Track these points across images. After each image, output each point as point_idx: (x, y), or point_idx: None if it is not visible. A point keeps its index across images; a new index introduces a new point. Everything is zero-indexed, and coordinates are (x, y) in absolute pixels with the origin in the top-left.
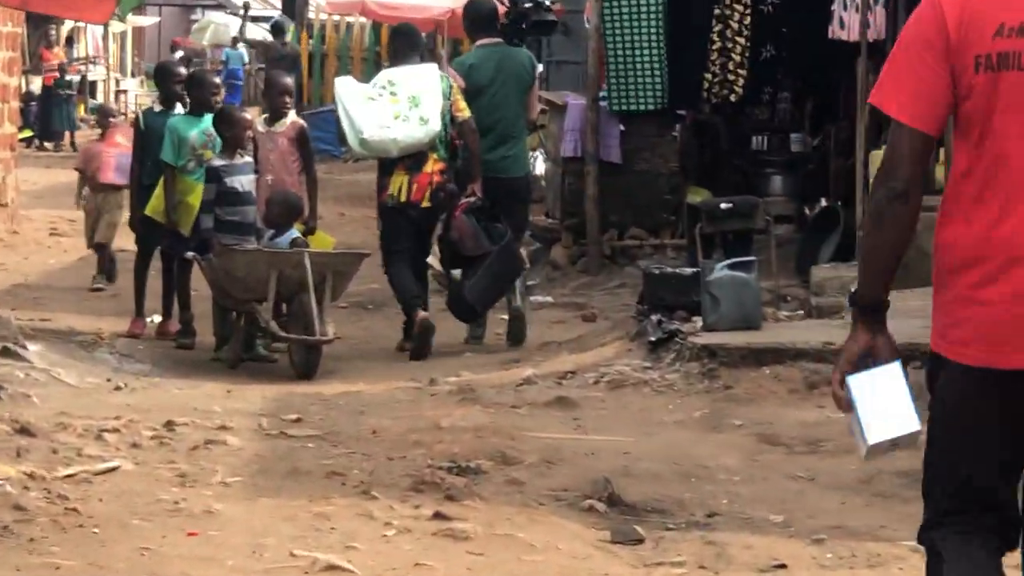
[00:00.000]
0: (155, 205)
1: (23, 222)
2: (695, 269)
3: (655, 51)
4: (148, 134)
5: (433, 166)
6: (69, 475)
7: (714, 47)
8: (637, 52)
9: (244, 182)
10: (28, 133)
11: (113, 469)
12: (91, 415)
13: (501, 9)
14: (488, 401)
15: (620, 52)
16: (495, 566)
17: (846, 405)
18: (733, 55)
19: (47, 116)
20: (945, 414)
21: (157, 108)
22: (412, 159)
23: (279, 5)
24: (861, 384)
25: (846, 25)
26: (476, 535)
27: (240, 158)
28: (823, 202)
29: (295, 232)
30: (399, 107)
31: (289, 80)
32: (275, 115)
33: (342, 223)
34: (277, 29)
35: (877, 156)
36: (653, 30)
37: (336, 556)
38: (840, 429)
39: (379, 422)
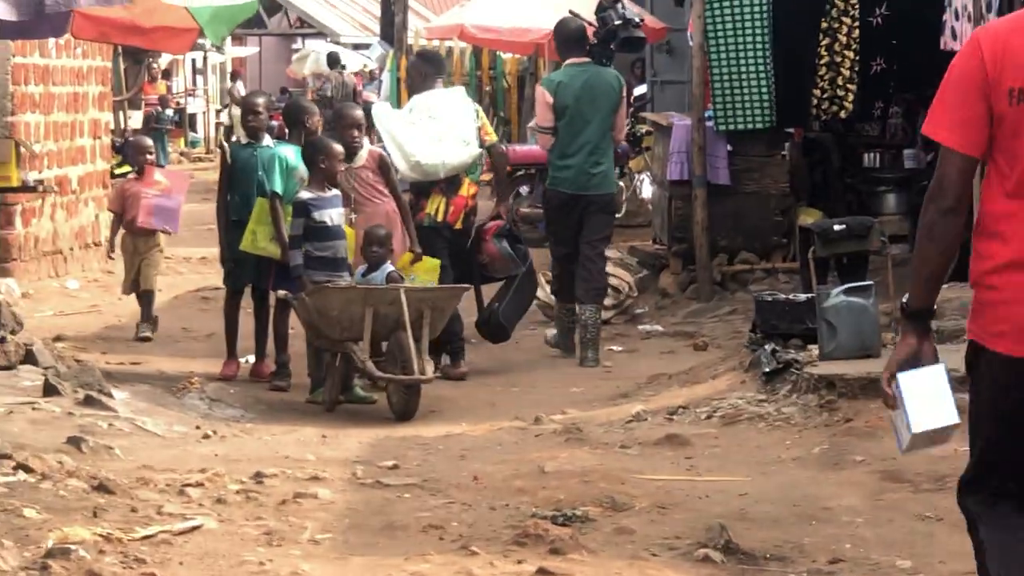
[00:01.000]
0: (252, 240)
1: (119, 261)
2: (809, 295)
3: (761, 68)
4: (235, 168)
5: (468, 189)
6: (147, 536)
7: (822, 62)
8: (743, 69)
9: (334, 216)
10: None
11: (195, 528)
12: (175, 468)
13: (590, 29)
14: (596, 441)
15: (725, 70)
16: None
17: (893, 403)
18: (842, 70)
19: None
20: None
21: (244, 140)
22: (448, 181)
23: (378, 31)
24: (909, 381)
25: (959, 36)
26: None
27: (328, 191)
28: None
29: (390, 267)
30: (441, 130)
31: (359, 112)
32: (349, 151)
33: None
34: (332, 60)
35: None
36: (759, 46)
37: None
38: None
39: (481, 467)
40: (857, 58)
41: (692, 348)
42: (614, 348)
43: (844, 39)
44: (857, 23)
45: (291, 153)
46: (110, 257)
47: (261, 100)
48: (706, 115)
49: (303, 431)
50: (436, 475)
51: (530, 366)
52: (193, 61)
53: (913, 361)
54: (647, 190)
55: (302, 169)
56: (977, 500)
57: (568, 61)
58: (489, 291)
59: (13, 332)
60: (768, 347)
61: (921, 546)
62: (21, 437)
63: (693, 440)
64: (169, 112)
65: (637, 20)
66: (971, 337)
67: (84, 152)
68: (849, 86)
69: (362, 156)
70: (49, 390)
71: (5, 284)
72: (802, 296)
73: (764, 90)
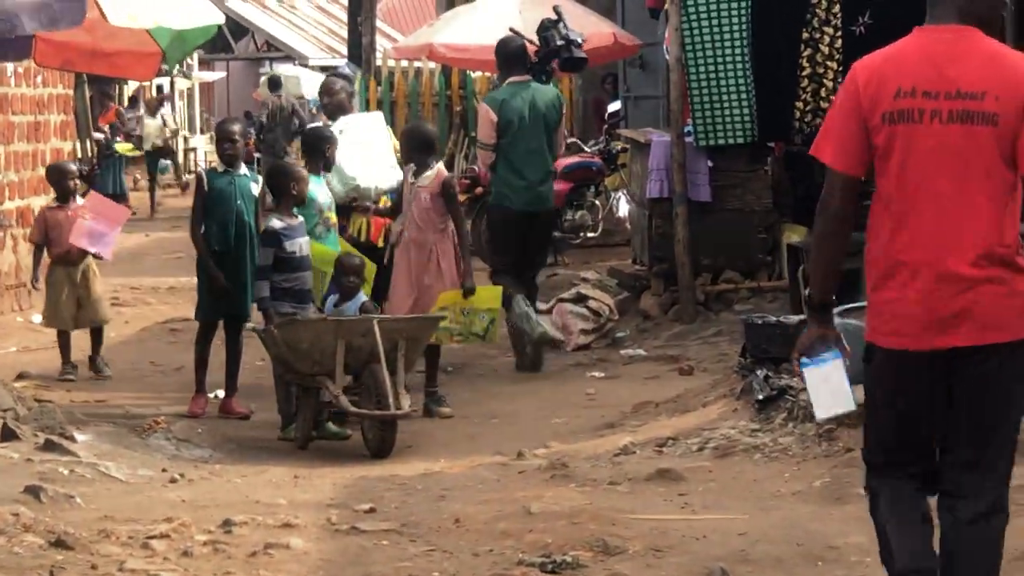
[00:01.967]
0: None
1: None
2: (801, 317)
3: (741, 80)
4: (212, 196)
5: (384, 203)
6: None
7: (804, 73)
8: (722, 82)
9: (303, 245)
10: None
11: None
12: (139, 517)
13: (532, 48)
14: (583, 477)
15: (704, 83)
16: None
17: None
18: (825, 81)
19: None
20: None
21: (220, 168)
22: (372, 202)
23: (345, 53)
24: (811, 374)
25: None
26: None
27: (295, 219)
28: None
29: (363, 297)
30: (371, 154)
31: (433, 130)
32: (421, 168)
33: None
34: (273, 83)
35: None
36: (739, 58)
37: None
38: None
39: (462, 508)
40: (841, 68)
41: (677, 373)
42: (596, 374)
43: (827, 49)
44: (840, 32)
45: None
46: (34, 288)
47: (237, 127)
48: (685, 130)
49: (274, 471)
50: (415, 518)
51: (510, 396)
52: (159, 87)
53: (818, 345)
54: (624, 208)
55: (320, 199)
56: (880, 479)
57: (510, 79)
58: None
59: None
60: (760, 373)
61: None
62: None
63: (686, 475)
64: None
65: (579, 40)
66: (867, 337)
67: (46, 182)
68: (832, 97)
69: (429, 176)
70: (7, 435)
71: None
72: (793, 318)
73: (745, 103)
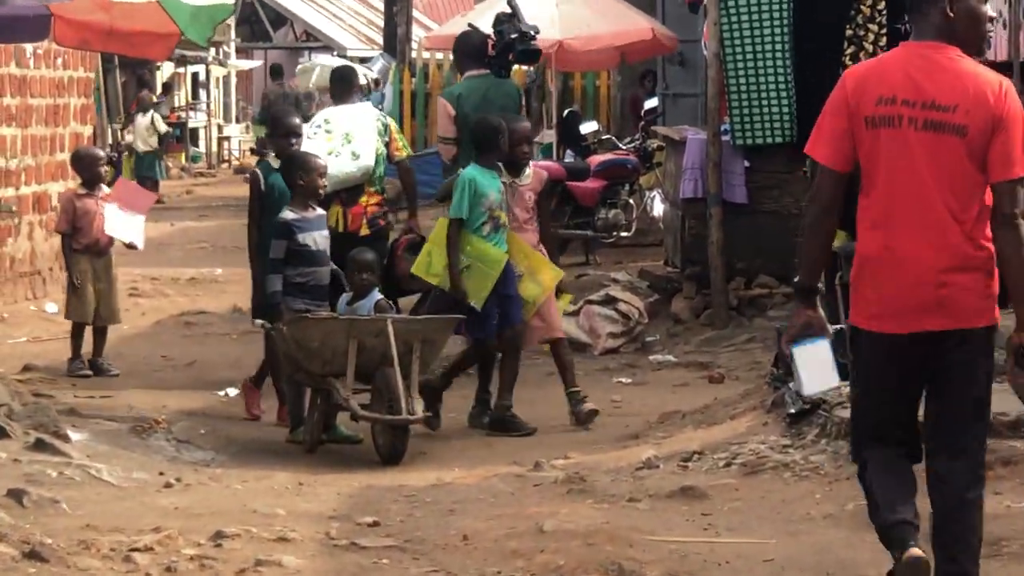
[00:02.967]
0: (427, 264)
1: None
2: (838, 326)
3: (781, 78)
4: (270, 194)
5: (368, 199)
6: None
7: (845, 37)
8: (761, 80)
9: (318, 239)
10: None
11: None
12: (126, 526)
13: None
14: (601, 493)
15: (743, 80)
16: None
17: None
18: (865, 44)
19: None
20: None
21: (275, 164)
22: (348, 192)
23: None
24: (800, 354)
25: (992, 44)
26: None
27: (312, 211)
28: None
29: (378, 295)
30: (332, 144)
31: (527, 125)
32: (514, 166)
33: None
34: (275, 72)
35: None
36: (779, 55)
37: None
38: None
39: (472, 524)
40: None
41: (707, 381)
42: (623, 380)
43: (871, 47)
44: (884, 30)
45: (480, 176)
46: (75, 285)
47: (297, 120)
48: (722, 129)
49: (277, 477)
50: (421, 533)
51: (531, 401)
52: (195, 75)
53: (807, 328)
54: (658, 208)
55: (492, 195)
56: (870, 450)
57: (468, 73)
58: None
59: None
60: (792, 385)
61: None
62: None
63: (710, 493)
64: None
65: (533, 33)
66: (851, 321)
67: (64, 168)
68: None
69: (528, 174)
70: None
71: None
72: (829, 328)
73: (784, 102)
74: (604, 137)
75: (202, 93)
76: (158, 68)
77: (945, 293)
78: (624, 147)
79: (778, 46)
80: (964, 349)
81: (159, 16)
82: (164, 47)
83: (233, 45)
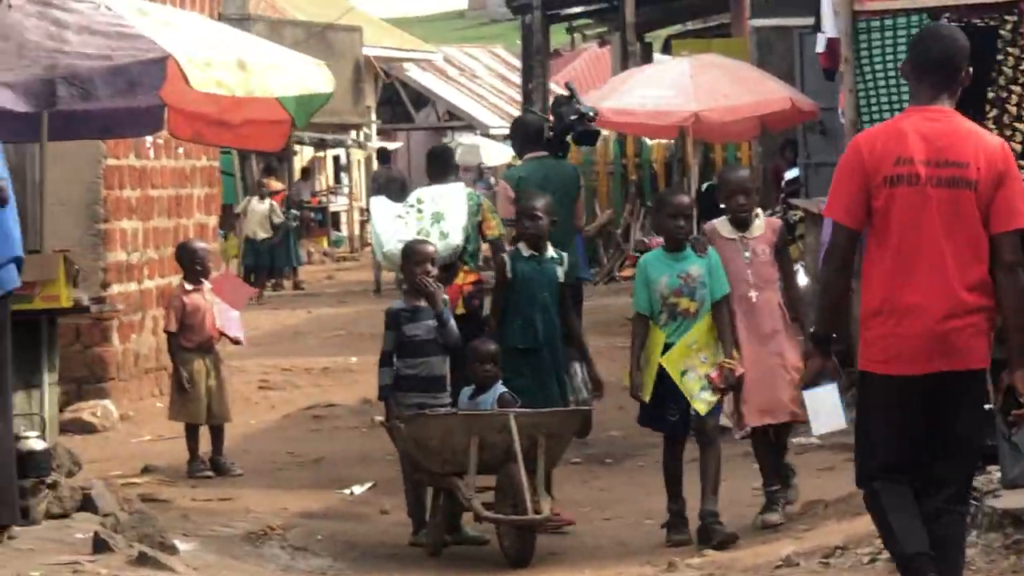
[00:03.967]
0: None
1: (233, 374)
2: (987, 406)
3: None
4: (518, 284)
5: (464, 277)
6: None
7: (987, 98)
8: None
9: (427, 328)
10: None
11: None
12: None
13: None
14: None
15: (879, 119)
16: None
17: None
18: (1008, 106)
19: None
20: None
21: (526, 252)
22: (443, 271)
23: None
24: (811, 399)
25: None
26: None
27: (423, 301)
28: None
29: (501, 387)
30: (423, 223)
31: (745, 173)
32: (740, 221)
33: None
34: (382, 156)
35: None
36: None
37: None
38: None
39: None
40: None
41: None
42: None
43: (1014, 109)
44: None
45: (653, 261)
46: (185, 387)
47: (540, 203)
48: None
49: None
50: None
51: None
52: (336, 158)
53: (819, 375)
54: (802, 281)
55: (663, 282)
56: (880, 481)
57: (528, 155)
58: None
59: (70, 474)
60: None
61: None
62: None
63: None
64: (294, 211)
65: (591, 114)
66: (861, 367)
67: None
68: (1018, 124)
69: (759, 225)
70: (98, 546)
71: (101, 406)
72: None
73: None
74: None
75: (343, 176)
76: (295, 153)
77: (956, 338)
78: None
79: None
80: (967, 387)
81: (269, 104)
82: (278, 136)
83: (375, 127)
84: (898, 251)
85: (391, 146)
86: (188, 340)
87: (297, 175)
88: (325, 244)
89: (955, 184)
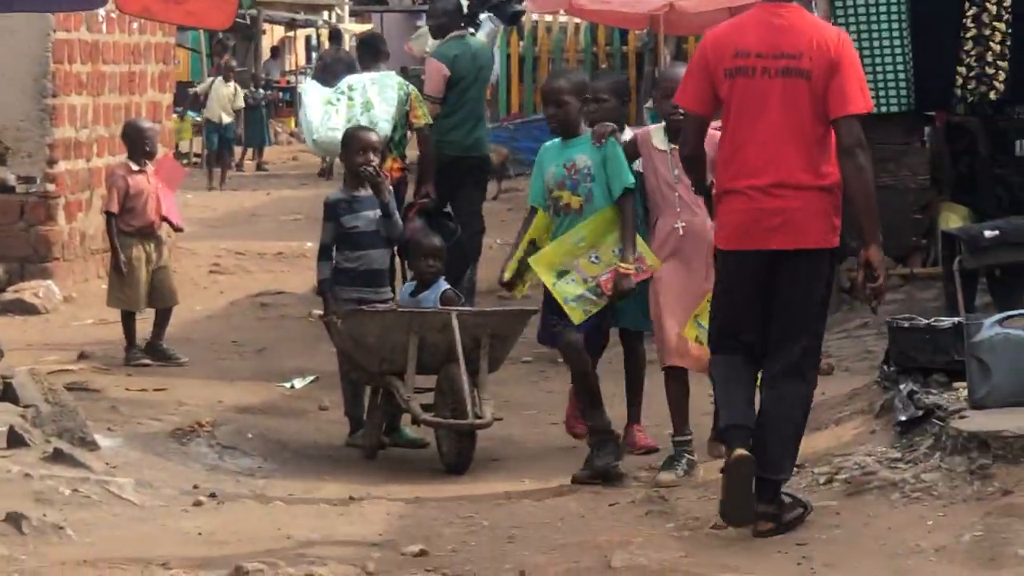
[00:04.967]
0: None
1: (184, 257)
2: (956, 320)
3: (897, 42)
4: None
5: (391, 163)
6: None
7: (968, 35)
8: (876, 44)
9: (367, 220)
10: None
11: None
12: (135, 557)
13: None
14: (684, 515)
15: (856, 45)
16: None
17: None
18: (991, 44)
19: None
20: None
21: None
22: None
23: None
24: None
25: None
26: None
27: (364, 190)
28: None
29: (444, 284)
30: (353, 111)
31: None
32: (675, 129)
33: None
34: (334, 36)
35: None
36: (895, 19)
37: None
38: None
39: (531, 558)
40: (1009, 30)
41: None
42: None
43: (994, 8)
44: None
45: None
46: (121, 271)
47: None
48: None
49: (326, 490)
50: (471, 567)
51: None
52: (308, 38)
53: None
54: None
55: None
56: (720, 353)
57: (453, 33)
58: None
59: None
60: (904, 387)
61: None
62: None
63: (807, 519)
64: (261, 91)
65: None
66: (714, 243)
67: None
68: (1000, 63)
69: None
70: (13, 440)
71: (44, 287)
72: (946, 321)
73: (900, 68)
74: None
75: (314, 57)
76: (264, 32)
77: (786, 219)
78: None
79: (893, 7)
80: (801, 266)
81: None
82: (225, 13)
83: (347, 8)
84: (734, 137)
85: (359, 28)
86: (127, 224)
87: (266, 54)
88: (292, 125)
89: (788, 73)
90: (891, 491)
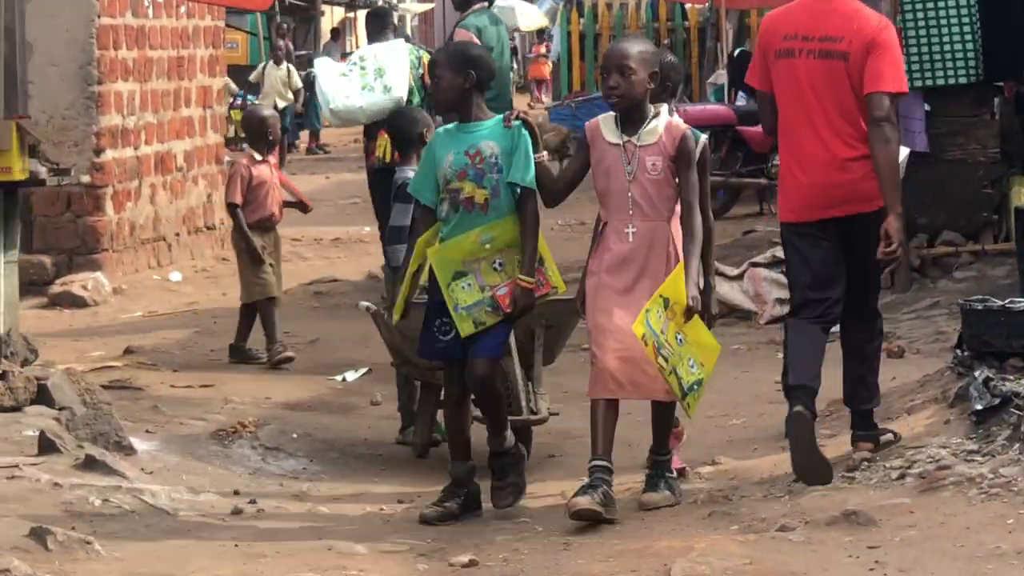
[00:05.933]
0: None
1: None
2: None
3: (964, 9)
4: None
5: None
6: None
7: None
8: (942, 12)
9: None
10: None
11: None
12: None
13: None
14: (748, 517)
15: (920, 14)
16: None
17: None
18: None
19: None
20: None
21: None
22: (377, 126)
23: None
24: None
25: None
26: None
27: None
28: None
29: None
30: (367, 79)
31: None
32: (622, 117)
33: (569, 237)
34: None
35: None
36: None
37: None
38: None
39: (586, 567)
40: None
41: (885, 354)
42: None
43: None
44: None
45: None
46: (259, 260)
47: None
48: None
49: (373, 493)
50: None
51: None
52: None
53: None
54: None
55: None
56: (794, 319)
57: (476, 6)
58: None
59: (26, 362)
60: (980, 374)
61: None
62: None
63: (879, 518)
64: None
65: None
66: (779, 217)
67: (192, 124)
68: None
69: (654, 129)
70: (45, 446)
71: (93, 279)
72: (1022, 302)
73: (968, 36)
74: None
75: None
76: (323, 13)
77: (843, 189)
78: None
79: None
80: (861, 227)
81: None
82: None
83: None
84: (787, 117)
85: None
86: (247, 215)
87: (326, 36)
88: None
89: (828, 55)
90: (968, 487)
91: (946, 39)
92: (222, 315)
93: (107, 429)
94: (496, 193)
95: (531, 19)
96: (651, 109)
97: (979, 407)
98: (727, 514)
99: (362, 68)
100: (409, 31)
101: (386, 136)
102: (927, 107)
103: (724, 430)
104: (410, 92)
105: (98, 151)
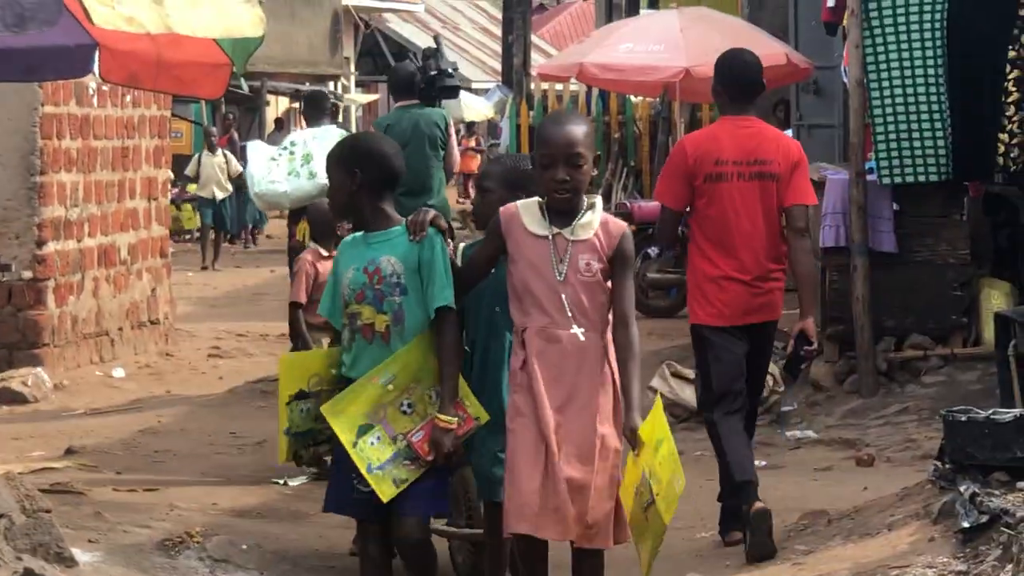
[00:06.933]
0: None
1: (184, 340)
2: (1017, 412)
3: (935, 106)
4: None
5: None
6: None
7: (1010, 99)
8: (912, 109)
9: None
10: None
11: None
12: None
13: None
14: None
15: (890, 110)
16: None
17: None
18: None
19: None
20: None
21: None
22: (300, 212)
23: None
24: None
25: None
26: None
27: None
28: None
29: None
30: (294, 164)
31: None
32: (558, 206)
33: None
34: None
35: None
36: (931, 80)
37: None
38: None
39: None
40: None
41: (855, 463)
42: (756, 463)
43: None
44: None
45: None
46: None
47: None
48: (867, 167)
49: None
50: None
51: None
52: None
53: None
54: None
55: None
56: (717, 412)
57: (398, 104)
58: None
59: None
60: (965, 489)
61: None
62: None
63: None
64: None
65: (451, 71)
66: (693, 321)
67: (136, 216)
68: None
69: (590, 221)
70: None
71: (33, 375)
72: (1006, 413)
73: (939, 135)
74: None
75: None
76: (268, 104)
77: (765, 298)
78: None
79: (930, 71)
80: (771, 333)
81: (206, 46)
82: (218, 81)
83: (353, 79)
84: (722, 231)
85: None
86: (313, 315)
87: (270, 126)
88: None
89: (760, 177)
90: None
91: (916, 135)
92: (166, 414)
93: (47, 539)
94: (399, 319)
95: (476, 111)
96: (584, 199)
97: (966, 524)
98: None
99: (291, 153)
100: (354, 122)
101: (306, 221)
102: (896, 206)
103: (692, 544)
104: None
105: (40, 243)
